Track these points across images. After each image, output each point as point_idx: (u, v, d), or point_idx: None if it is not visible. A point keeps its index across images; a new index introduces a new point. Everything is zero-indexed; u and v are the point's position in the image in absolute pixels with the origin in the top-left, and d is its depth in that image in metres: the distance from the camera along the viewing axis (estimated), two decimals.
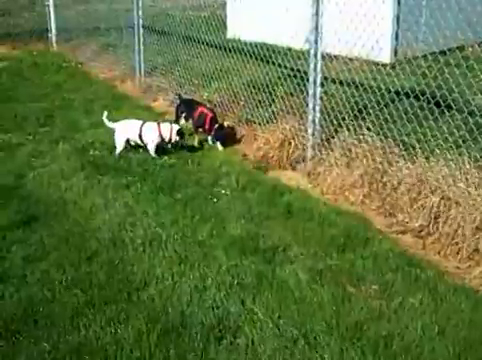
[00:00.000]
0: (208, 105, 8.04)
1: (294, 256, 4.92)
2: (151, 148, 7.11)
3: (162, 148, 7.22)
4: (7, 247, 5.01)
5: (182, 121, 7.76)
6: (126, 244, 5.06)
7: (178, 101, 8.12)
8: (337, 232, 5.30)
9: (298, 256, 4.92)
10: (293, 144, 6.78)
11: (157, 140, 7.14)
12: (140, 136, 7.16)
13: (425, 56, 6.67)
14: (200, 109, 7.59)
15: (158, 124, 7.23)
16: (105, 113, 7.19)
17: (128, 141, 7.21)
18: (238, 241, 5.10)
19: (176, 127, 7.21)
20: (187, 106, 7.84)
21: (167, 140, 7.15)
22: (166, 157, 7.13)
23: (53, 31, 13.48)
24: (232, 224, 5.39)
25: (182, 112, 7.80)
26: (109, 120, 7.18)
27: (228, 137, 7.56)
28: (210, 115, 7.51)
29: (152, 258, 4.84)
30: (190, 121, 7.68)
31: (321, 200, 6.06)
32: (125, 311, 4.16)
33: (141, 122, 7.26)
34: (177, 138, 7.14)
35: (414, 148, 6.00)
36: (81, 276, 4.58)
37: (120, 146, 7.14)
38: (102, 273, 4.61)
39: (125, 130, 7.16)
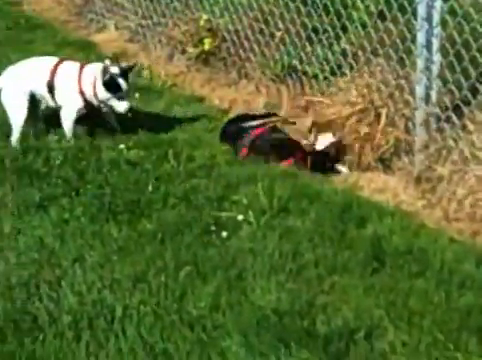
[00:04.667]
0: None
1: (390, 347, 2.41)
2: (67, 121, 3.94)
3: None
4: None
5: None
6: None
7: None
8: None
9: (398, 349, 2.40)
10: (384, 117, 3.64)
11: (78, 103, 3.93)
12: (51, 88, 3.93)
13: None
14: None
15: (80, 68, 3.99)
16: None
17: (33, 101, 3.98)
18: (271, 321, 2.57)
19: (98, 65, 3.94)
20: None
21: (94, 101, 3.92)
22: (123, 145, 4.01)
23: None
24: (258, 287, 2.82)
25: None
26: None
27: None
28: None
29: None
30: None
31: (445, 234, 3.22)
32: None
33: (55, 61, 4.04)
34: (105, 95, 3.85)
35: None
36: None
37: (19, 120, 3.92)
38: None
39: (24, 80, 3.95)
